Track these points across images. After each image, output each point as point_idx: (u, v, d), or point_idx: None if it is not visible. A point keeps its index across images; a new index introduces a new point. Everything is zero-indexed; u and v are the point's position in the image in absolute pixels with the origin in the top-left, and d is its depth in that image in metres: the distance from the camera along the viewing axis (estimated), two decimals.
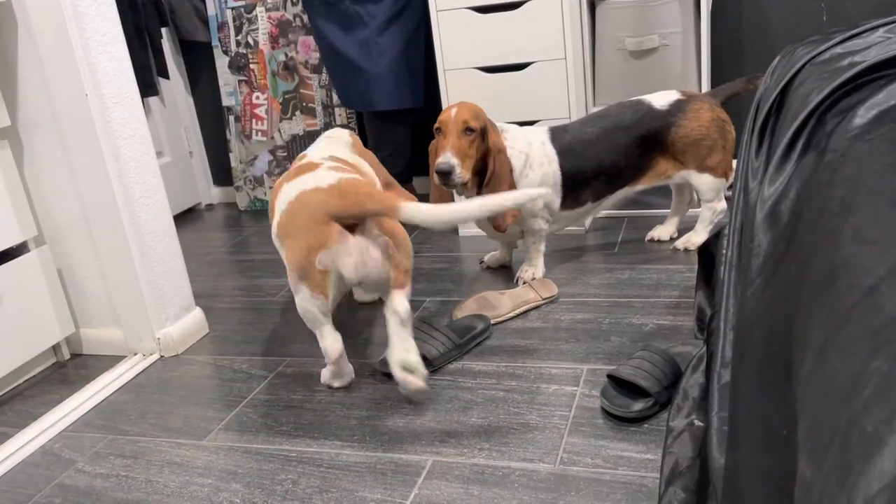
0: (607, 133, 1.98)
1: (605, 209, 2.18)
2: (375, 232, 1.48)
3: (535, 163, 1.92)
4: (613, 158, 1.98)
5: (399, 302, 1.50)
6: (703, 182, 2.02)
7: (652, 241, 2.22)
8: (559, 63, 2.24)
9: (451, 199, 2.03)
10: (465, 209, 1.39)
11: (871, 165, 0.64)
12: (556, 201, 1.98)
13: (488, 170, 1.85)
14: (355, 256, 1.46)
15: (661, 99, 2.00)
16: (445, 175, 1.78)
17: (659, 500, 1.06)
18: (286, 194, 1.54)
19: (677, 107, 1.98)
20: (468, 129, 1.80)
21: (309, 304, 1.50)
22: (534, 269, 2.03)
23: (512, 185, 1.86)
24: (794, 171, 0.83)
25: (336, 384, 1.62)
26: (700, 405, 1.22)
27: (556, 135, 1.98)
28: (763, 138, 1.02)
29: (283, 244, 1.52)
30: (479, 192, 1.89)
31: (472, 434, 1.38)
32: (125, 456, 1.46)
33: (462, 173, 1.79)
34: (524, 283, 1.99)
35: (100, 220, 1.79)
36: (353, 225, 1.46)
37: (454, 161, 1.77)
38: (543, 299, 1.88)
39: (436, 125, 1.84)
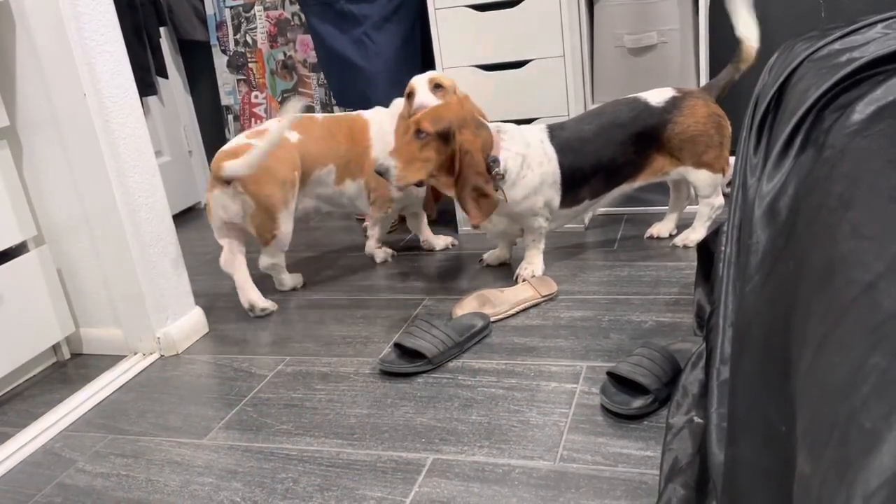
0: (604, 130, 1.98)
1: (603, 206, 2.17)
2: (239, 190, 1.96)
3: (533, 163, 1.92)
4: (611, 155, 1.98)
5: (261, 260, 2.14)
6: (701, 178, 2.02)
7: (651, 237, 2.22)
8: (558, 61, 2.24)
9: (439, 198, 2.01)
10: (260, 149, 1.88)
11: (870, 161, 0.64)
12: (556, 199, 1.98)
13: (455, 171, 1.83)
14: (213, 204, 2.01)
15: (656, 96, 2.01)
16: (383, 174, 1.80)
17: (659, 496, 1.06)
18: None
19: (673, 104, 1.98)
20: (419, 132, 1.79)
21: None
22: (533, 266, 2.03)
23: (477, 188, 1.82)
24: (793, 168, 0.84)
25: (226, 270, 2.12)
26: (699, 402, 1.23)
27: (555, 132, 1.98)
28: (761, 135, 1.02)
29: None
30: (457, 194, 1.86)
31: (472, 432, 1.38)
32: (125, 455, 1.46)
33: (401, 174, 1.78)
34: (523, 280, 1.99)
35: (99, 220, 1.79)
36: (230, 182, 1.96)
37: (390, 162, 1.78)
38: (543, 297, 1.88)
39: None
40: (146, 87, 2.96)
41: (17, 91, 1.75)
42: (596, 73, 2.45)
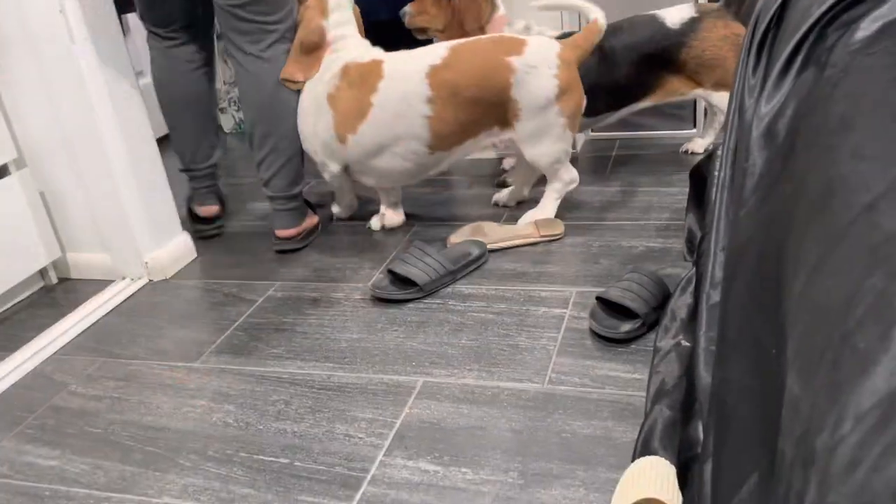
0: (615, 52, 1.96)
1: (612, 122, 2.14)
2: None
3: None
4: (618, 77, 1.98)
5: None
6: (722, 99, 1.99)
7: (686, 153, 2.26)
8: None
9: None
10: None
11: (873, 80, 0.62)
12: None
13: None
14: None
15: (675, 15, 1.96)
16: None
17: (645, 417, 1.08)
18: None
19: (689, 25, 1.94)
20: None
21: None
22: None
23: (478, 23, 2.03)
24: (793, 88, 0.81)
25: None
26: (687, 326, 1.23)
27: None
28: (761, 54, 0.99)
29: None
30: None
31: (462, 356, 1.39)
32: (118, 378, 1.47)
33: (413, 20, 2.10)
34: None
35: (80, 143, 1.75)
36: None
37: (407, 9, 2.08)
38: (542, 236, 1.83)
39: None
40: (125, 3, 2.85)
41: None
42: None
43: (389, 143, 1.80)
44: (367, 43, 1.92)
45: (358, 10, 1.97)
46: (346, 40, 1.88)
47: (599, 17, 1.79)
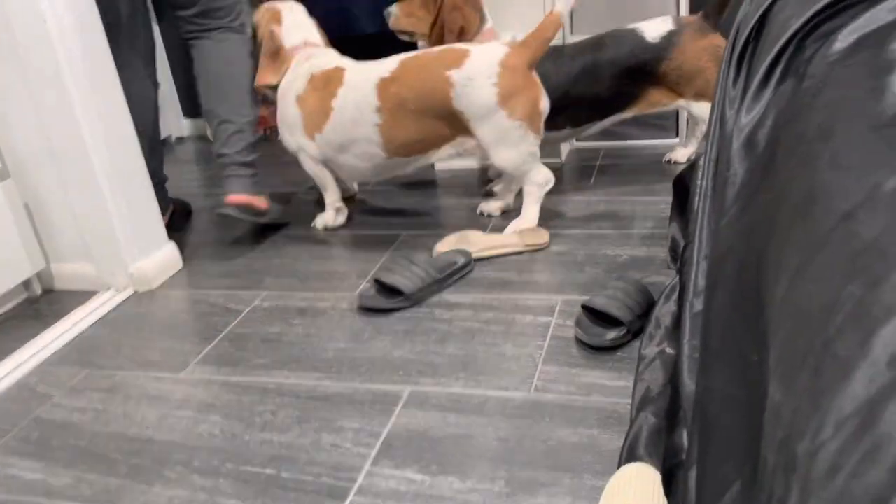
0: (596, 66, 1.99)
1: (595, 132, 2.16)
2: None
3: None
4: (599, 90, 2.01)
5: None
6: (703, 110, 2.01)
7: (669, 162, 2.28)
8: None
9: None
10: None
11: (851, 90, 0.64)
12: None
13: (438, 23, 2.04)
14: None
15: (653, 30, 1.99)
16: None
17: (630, 424, 1.08)
18: None
19: (668, 39, 1.96)
20: None
21: None
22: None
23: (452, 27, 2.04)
24: (772, 99, 0.83)
25: None
26: (672, 334, 1.24)
27: (546, 60, 1.97)
28: (741, 66, 1.00)
29: None
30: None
31: (448, 364, 1.39)
32: (102, 390, 1.46)
33: (398, 22, 2.09)
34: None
35: (65, 153, 1.74)
36: None
37: (392, 9, 2.08)
38: (527, 246, 1.82)
39: None
40: None
41: None
42: None
43: (349, 144, 1.92)
44: (334, 52, 2.03)
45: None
46: (315, 50, 2.01)
47: (558, 6, 1.74)
